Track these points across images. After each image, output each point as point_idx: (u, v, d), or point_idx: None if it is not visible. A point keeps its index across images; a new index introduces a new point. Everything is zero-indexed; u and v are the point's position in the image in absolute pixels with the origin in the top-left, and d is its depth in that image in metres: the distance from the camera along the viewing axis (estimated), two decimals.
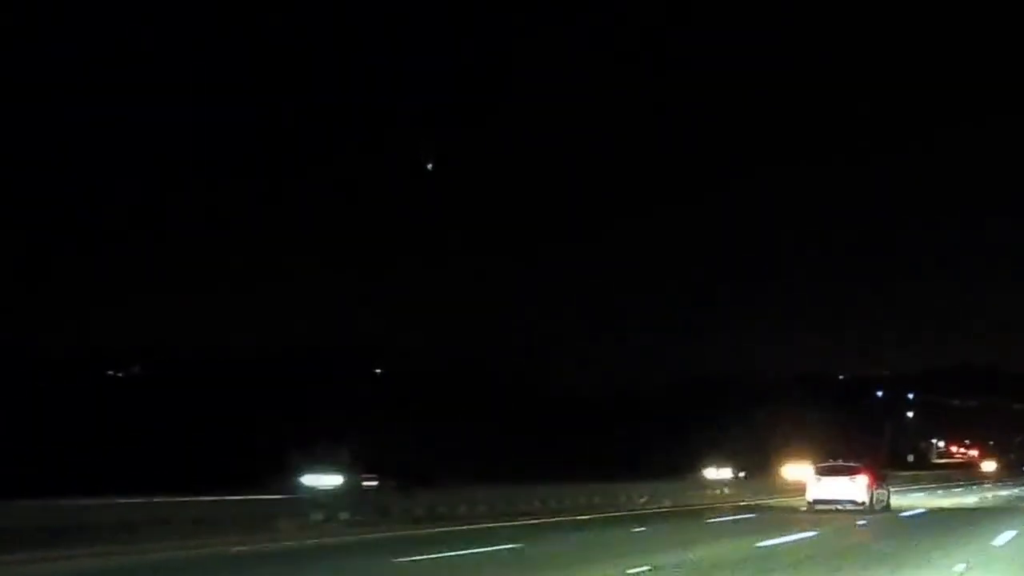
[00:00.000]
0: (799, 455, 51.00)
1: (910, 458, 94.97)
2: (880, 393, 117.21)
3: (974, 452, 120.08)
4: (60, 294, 74.03)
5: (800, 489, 46.86)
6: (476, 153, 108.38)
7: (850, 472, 33.82)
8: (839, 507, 32.32)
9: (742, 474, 54.29)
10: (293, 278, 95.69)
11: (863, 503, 32.60)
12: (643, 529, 22.32)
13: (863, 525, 24.28)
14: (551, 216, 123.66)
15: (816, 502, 33.33)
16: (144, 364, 66.01)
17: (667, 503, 36.88)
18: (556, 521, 26.71)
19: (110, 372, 63.79)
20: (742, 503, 38.03)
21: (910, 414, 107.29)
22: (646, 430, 65.29)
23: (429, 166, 73.49)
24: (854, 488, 33.00)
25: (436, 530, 23.17)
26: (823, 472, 34.54)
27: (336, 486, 32.97)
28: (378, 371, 76.10)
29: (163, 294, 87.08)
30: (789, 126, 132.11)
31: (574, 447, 59.51)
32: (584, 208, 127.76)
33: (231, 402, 63.65)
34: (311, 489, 32.07)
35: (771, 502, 39.94)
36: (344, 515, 23.44)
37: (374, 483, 33.54)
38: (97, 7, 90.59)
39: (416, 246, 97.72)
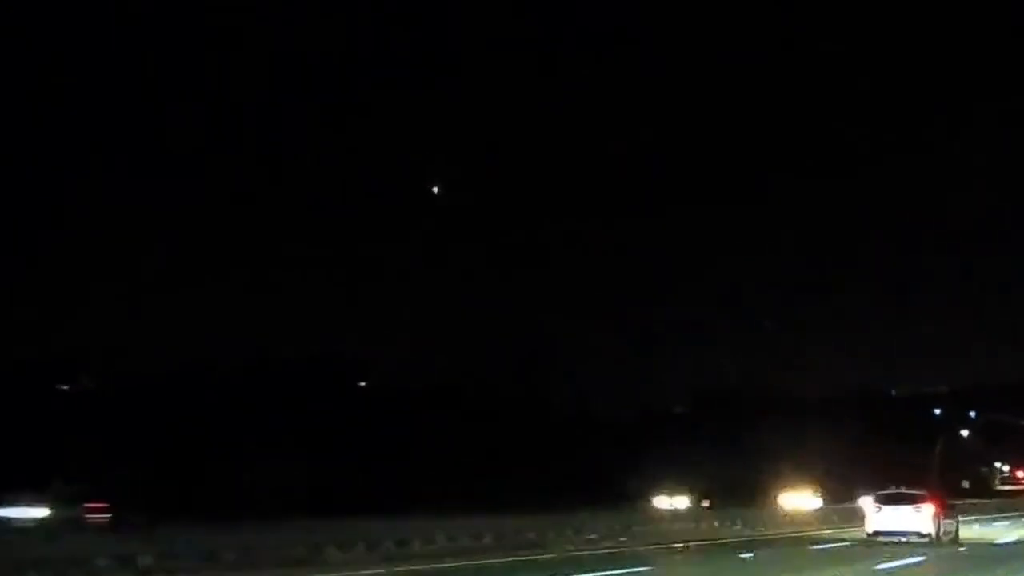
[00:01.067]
0: (801, 480, 45.94)
1: (965, 484, 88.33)
2: (938, 411, 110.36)
3: None
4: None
5: (797, 522, 41.83)
6: (477, 152, 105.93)
7: (914, 501, 32.17)
8: (902, 539, 30.87)
9: (705, 503, 48.69)
10: (270, 285, 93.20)
11: (928, 535, 31.18)
12: None
13: None
14: (558, 218, 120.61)
15: (876, 534, 31.75)
16: (96, 376, 62.30)
17: (623, 538, 32.77)
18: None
19: (59, 386, 60.11)
20: (700, 540, 32.47)
21: (965, 433, 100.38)
22: (653, 453, 60.08)
23: (435, 190, 71.95)
24: (919, 519, 31.46)
25: None
26: (884, 501, 32.74)
27: (40, 519, 27.92)
28: (362, 384, 71.94)
29: (125, 300, 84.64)
30: (824, 132, 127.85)
31: (562, 471, 54.92)
32: (598, 208, 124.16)
33: (186, 418, 60.25)
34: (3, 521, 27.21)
35: (750, 536, 34.60)
36: None
37: (105, 515, 28.61)
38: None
39: (411, 249, 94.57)
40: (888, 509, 32.08)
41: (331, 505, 38.86)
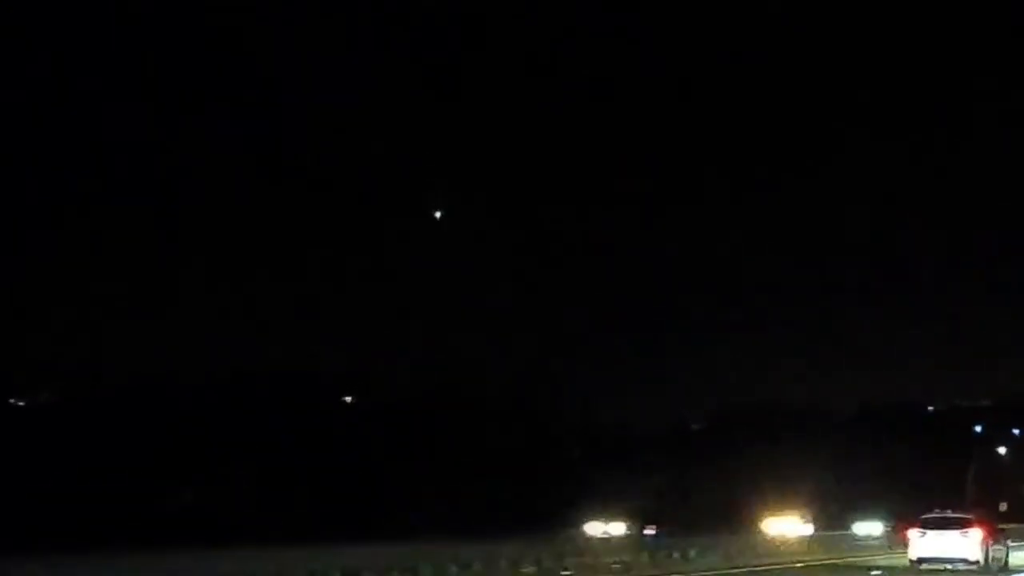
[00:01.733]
0: (790, 504, 42.38)
1: (1003, 506, 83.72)
2: (978, 428, 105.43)
3: None
4: None
5: (775, 551, 38.32)
6: (477, 152, 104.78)
7: (961, 525, 31.68)
8: (948, 566, 30.96)
9: (650, 531, 44.51)
10: (251, 294, 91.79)
11: (977, 561, 30.92)
12: None
13: None
14: (559, 217, 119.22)
15: (921, 560, 31.57)
16: (57, 391, 60.10)
17: (567, 570, 30.10)
18: None
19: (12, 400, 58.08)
20: None
21: (1002, 450, 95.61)
22: (631, 473, 56.77)
23: (437, 214, 71.73)
24: (966, 544, 31.01)
25: None
26: (929, 525, 32.08)
27: None
28: (348, 399, 69.38)
29: (92, 309, 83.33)
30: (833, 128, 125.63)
31: (540, 489, 51.95)
32: (598, 208, 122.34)
33: (157, 435, 58.20)
34: None
35: (692, 571, 30.98)
36: None
37: None
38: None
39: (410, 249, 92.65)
40: (933, 534, 31.43)
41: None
